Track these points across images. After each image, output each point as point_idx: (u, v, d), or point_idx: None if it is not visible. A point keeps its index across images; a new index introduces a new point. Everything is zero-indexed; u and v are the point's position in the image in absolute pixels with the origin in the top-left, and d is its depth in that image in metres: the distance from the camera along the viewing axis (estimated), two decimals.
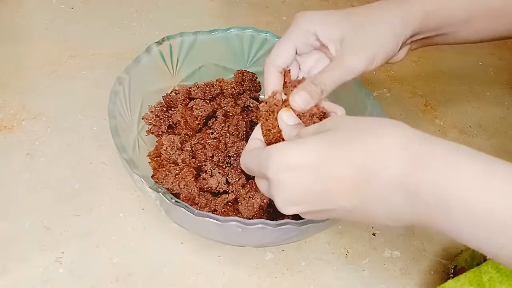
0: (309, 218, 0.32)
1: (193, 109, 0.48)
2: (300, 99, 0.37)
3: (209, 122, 0.49)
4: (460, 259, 0.45)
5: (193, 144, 0.46)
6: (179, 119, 0.47)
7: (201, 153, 0.45)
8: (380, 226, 0.28)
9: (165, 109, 0.49)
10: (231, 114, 0.49)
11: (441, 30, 0.41)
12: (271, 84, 0.40)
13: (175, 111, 0.48)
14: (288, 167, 0.29)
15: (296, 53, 0.41)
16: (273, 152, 0.30)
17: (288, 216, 0.43)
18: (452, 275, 0.45)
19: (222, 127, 0.47)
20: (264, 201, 0.42)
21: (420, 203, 0.27)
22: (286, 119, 0.37)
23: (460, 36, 0.42)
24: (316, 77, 0.38)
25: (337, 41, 0.38)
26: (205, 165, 0.45)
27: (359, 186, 0.28)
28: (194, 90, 0.50)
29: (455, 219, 0.26)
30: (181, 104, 0.48)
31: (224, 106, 0.49)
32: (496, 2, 0.40)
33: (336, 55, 0.39)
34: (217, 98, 0.51)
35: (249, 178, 0.44)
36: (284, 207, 0.31)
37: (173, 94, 0.50)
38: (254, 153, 0.34)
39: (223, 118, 0.48)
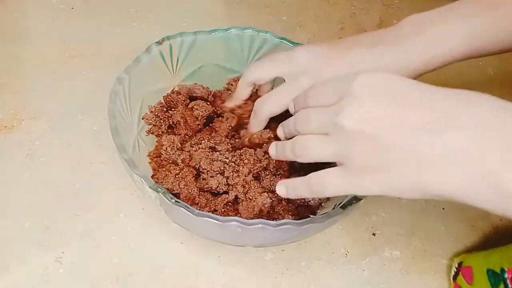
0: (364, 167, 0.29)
1: (193, 109, 0.48)
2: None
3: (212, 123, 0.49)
4: (470, 258, 0.45)
5: (193, 144, 0.46)
6: (179, 119, 0.47)
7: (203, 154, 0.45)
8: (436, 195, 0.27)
9: (165, 109, 0.49)
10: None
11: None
12: (243, 96, 0.46)
13: (175, 111, 0.48)
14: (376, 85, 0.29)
15: None
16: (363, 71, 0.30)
17: (288, 216, 0.43)
18: (455, 270, 0.45)
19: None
20: (265, 205, 0.42)
21: None
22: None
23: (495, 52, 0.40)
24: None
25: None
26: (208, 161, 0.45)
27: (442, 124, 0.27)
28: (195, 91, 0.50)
29: None
30: (181, 105, 0.48)
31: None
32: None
33: None
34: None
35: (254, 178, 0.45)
36: (355, 123, 0.29)
37: (174, 94, 0.50)
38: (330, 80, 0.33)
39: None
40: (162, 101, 0.50)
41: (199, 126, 0.48)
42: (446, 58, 0.38)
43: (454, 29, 0.37)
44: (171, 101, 0.49)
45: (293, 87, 0.41)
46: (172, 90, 0.51)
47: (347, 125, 0.29)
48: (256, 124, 0.44)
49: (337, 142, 0.30)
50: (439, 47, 0.38)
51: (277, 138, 0.44)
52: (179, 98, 0.49)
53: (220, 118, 0.50)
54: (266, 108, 0.43)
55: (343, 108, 0.30)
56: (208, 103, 0.50)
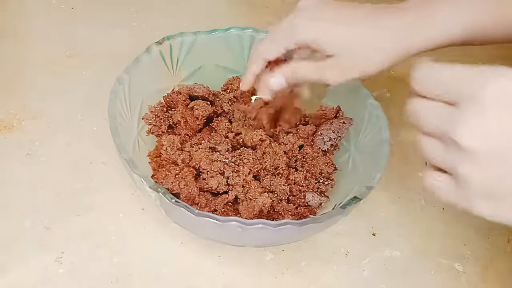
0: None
1: (193, 109, 0.48)
2: (276, 83, 0.41)
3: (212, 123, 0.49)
4: None
5: (193, 144, 0.46)
6: (179, 119, 0.47)
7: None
8: None
9: (165, 109, 0.49)
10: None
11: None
12: (254, 71, 0.42)
13: (175, 111, 0.48)
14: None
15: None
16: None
17: (288, 216, 0.43)
18: None
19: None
20: (266, 205, 0.42)
21: None
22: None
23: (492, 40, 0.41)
24: (296, 68, 0.40)
25: (330, 53, 0.39)
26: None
27: None
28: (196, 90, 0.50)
29: None
30: (181, 105, 0.48)
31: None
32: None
33: (322, 59, 0.40)
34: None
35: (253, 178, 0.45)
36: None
37: (174, 94, 0.50)
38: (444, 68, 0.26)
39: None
40: (162, 101, 0.50)
41: (199, 126, 0.48)
42: (449, 38, 0.38)
43: (459, 10, 0.38)
44: (171, 101, 0.49)
45: (287, 28, 0.40)
46: (172, 90, 0.51)
47: (467, 141, 0.24)
48: (249, 74, 0.43)
49: (452, 155, 0.26)
50: (444, 26, 0.38)
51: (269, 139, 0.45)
52: (179, 98, 0.49)
53: (220, 118, 0.50)
54: (258, 52, 0.41)
55: (465, 119, 0.24)
56: (208, 103, 0.50)
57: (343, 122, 0.48)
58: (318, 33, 0.39)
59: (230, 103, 0.51)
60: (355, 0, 0.42)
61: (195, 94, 0.50)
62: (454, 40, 0.39)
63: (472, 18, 0.38)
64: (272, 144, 0.46)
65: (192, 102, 0.49)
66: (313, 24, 0.39)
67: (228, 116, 0.51)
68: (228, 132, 0.48)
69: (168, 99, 0.49)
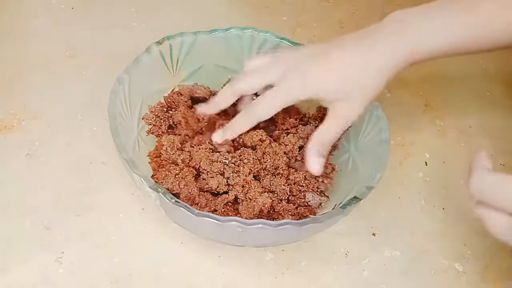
0: None
1: (195, 109, 0.48)
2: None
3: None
4: None
5: (193, 144, 0.46)
6: (180, 119, 0.47)
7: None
8: None
9: (165, 109, 0.49)
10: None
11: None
12: (225, 105, 0.46)
13: (176, 112, 0.48)
14: None
15: None
16: None
17: (288, 216, 0.43)
18: None
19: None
20: (266, 205, 0.42)
21: None
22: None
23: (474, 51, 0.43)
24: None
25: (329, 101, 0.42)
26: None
27: None
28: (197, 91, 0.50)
29: None
30: (183, 105, 0.48)
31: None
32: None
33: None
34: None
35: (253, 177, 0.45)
36: None
37: (175, 95, 0.50)
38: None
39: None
40: (162, 101, 0.50)
41: (201, 128, 0.48)
42: (427, 54, 0.41)
43: (434, 27, 0.40)
44: (172, 101, 0.49)
45: (283, 90, 0.42)
46: (172, 90, 0.51)
47: None
48: (244, 124, 0.45)
49: None
50: (421, 43, 0.40)
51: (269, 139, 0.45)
52: (181, 99, 0.49)
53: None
54: (259, 111, 0.43)
55: None
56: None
57: None
58: (316, 90, 0.41)
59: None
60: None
61: (196, 95, 0.50)
62: (442, 51, 0.41)
63: (448, 30, 0.40)
64: (272, 144, 0.46)
65: (195, 104, 0.49)
66: (309, 82, 0.41)
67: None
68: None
69: (169, 100, 0.49)
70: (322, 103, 0.43)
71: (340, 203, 0.42)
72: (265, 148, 0.46)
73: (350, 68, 0.40)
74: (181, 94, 0.50)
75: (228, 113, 0.49)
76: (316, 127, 0.50)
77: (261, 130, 0.46)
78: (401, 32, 0.40)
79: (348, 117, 0.42)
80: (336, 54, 0.41)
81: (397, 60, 0.40)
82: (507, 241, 0.28)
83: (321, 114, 0.50)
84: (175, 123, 0.48)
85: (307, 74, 0.41)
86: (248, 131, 0.46)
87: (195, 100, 0.51)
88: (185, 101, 0.49)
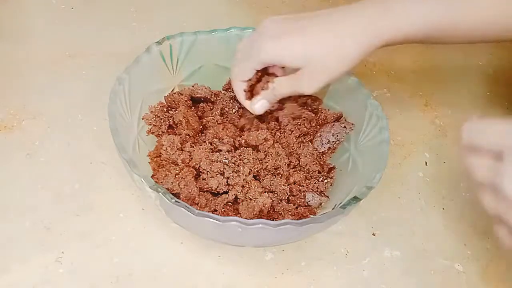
0: None
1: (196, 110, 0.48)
2: (260, 107, 0.46)
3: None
4: None
5: (193, 144, 0.46)
6: (180, 119, 0.47)
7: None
8: None
9: (165, 109, 0.49)
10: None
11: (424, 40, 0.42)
12: (241, 95, 0.46)
13: (176, 111, 0.48)
14: None
15: None
16: None
17: (288, 216, 0.43)
18: None
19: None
20: (266, 205, 0.42)
21: None
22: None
23: (448, 41, 0.43)
24: (274, 87, 0.44)
25: (296, 67, 0.42)
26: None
27: None
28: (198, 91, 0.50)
29: None
30: (183, 105, 0.48)
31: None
32: (485, 12, 0.40)
33: (292, 72, 0.42)
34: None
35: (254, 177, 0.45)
36: None
37: (176, 95, 0.50)
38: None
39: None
40: (163, 101, 0.50)
41: (201, 127, 0.48)
42: (408, 34, 0.40)
43: (414, 7, 0.39)
44: (173, 101, 0.49)
45: (252, 52, 0.42)
46: (172, 90, 0.51)
47: (508, 192, 0.26)
48: (241, 100, 0.47)
49: (502, 205, 0.27)
50: (402, 22, 0.40)
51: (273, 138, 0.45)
52: (181, 99, 0.49)
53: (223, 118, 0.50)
54: (233, 77, 0.45)
55: (505, 171, 0.27)
56: (210, 103, 0.50)
57: (344, 127, 0.48)
58: (280, 50, 0.41)
59: (231, 101, 0.51)
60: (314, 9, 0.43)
61: (197, 95, 0.50)
62: (417, 35, 0.41)
63: (424, 16, 0.40)
64: (275, 145, 0.46)
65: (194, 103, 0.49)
66: (273, 44, 0.41)
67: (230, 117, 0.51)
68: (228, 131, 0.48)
69: (169, 99, 0.49)
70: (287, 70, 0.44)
71: (340, 203, 0.42)
72: (268, 148, 0.46)
73: (319, 36, 0.40)
74: (181, 94, 0.50)
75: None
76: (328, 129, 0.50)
77: (265, 129, 0.47)
78: (376, 7, 0.40)
79: (309, 87, 0.42)
80: (308, 22, 0.41)
81: (371, 33, 0.40)
82: (491, 191, 0.28)
83: (322, 118, 0.51)
84: (175, 123, 0.48)
85: (273, 37, 0.41)
86: (253, 131, 0.46)
87: (195, 100, 0.51)
88: (185, 101, 0.49)
